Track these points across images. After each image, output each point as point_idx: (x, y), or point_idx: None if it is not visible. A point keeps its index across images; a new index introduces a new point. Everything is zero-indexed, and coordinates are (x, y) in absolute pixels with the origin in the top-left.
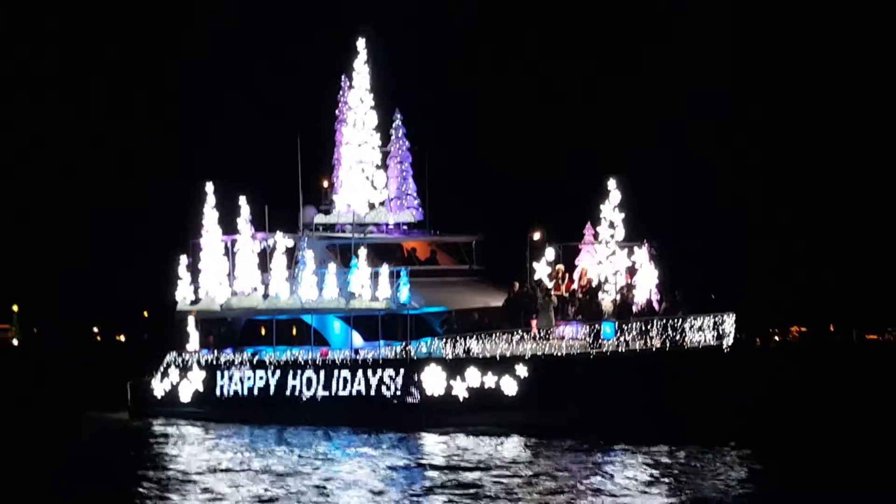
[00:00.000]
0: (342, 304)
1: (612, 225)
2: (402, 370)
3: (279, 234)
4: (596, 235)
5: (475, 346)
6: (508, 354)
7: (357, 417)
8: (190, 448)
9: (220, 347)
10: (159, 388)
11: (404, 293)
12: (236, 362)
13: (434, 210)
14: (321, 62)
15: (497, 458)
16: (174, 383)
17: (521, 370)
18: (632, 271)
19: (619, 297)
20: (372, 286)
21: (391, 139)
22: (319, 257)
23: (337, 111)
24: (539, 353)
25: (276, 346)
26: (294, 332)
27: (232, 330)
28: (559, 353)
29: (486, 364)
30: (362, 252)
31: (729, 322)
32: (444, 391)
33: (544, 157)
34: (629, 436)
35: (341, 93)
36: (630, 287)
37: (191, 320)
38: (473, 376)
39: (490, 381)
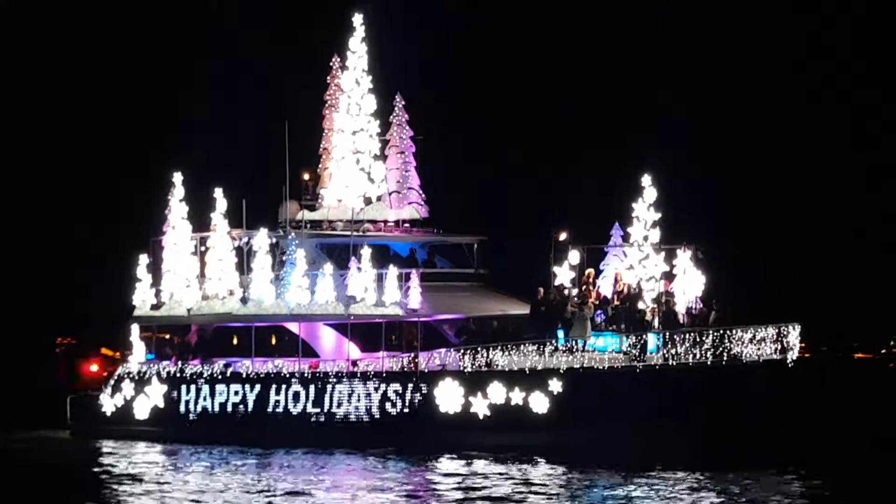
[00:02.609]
0: (340, 310)
1: (654, 224)
2: (410, 384)
3: (263, 232)
4: (626, 237)
5: (500, 358)
6: (540, 367)
7: (355, 438)
8: (150, 472)
9: (184, 358)
10: (109, 403)
11: (415, 298)
12: (205, 375)
13: (435, 206)
14: (307, 42)
15: (523, 485)
16: (128, 398)
17: (555, 385)
18: (669, 277)
19: (657, 306)
20: (377, 290)
21: (390, 127)
22: (310, 258)
23: (326, 95)
24: (576, 367)
25: (255, 356)
26: (274, 340)
27: (199, 338)
28: (600, 367)
29: (512, 378)
30: (365, 252)
31: (794, 334)
32: (461, 408)
33: (563, 147)
34: (677, 459)
35: (331, 75)
36: (670, 294)
37: (134, 329)
38: (497, 392)
39: (517, 397)
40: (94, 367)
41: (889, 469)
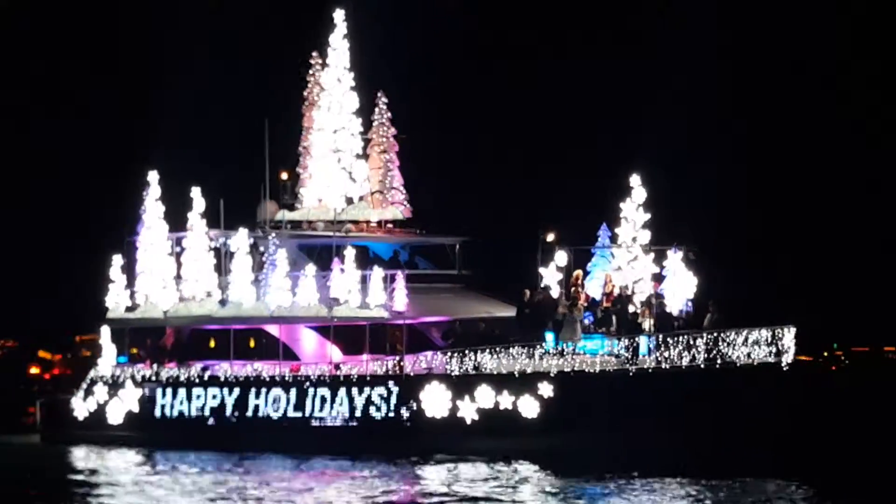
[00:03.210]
0: (323, 312)
1: (645, 225)
2: (395, 388)
3: (242, 232)
4: (614, 237)
5: (488, 361)
6: (529, 370)
7: (338, 443)
8: (125, 478)
9: (159, 361)
10: (82, 407)
11: (400, 300)
12: (182, 378)
13: (418, 206)
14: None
15: (512, 491)
16: (101, 402)
17: (546, 389)
18: (659, 279)
19: (647, 308)
20: (361, 292)
21: (373, 125)
22: (291, 259)
23: (305, 93)
24: (568, 370)
25: (233, 359)
26: (253, 343)
27: (175, 341)
28: (592, 370)
29: (501, 381)
30: (349, 253)
31: (789, 336)
32: (447, 412)
33: (549, 145)
34: (670, 464)
35: (311, 72)
36: (659, 296)
37: (104, 331)
38: (485, 395)
39: (506, 401)
40: (35, 370)
41: (882, 472)
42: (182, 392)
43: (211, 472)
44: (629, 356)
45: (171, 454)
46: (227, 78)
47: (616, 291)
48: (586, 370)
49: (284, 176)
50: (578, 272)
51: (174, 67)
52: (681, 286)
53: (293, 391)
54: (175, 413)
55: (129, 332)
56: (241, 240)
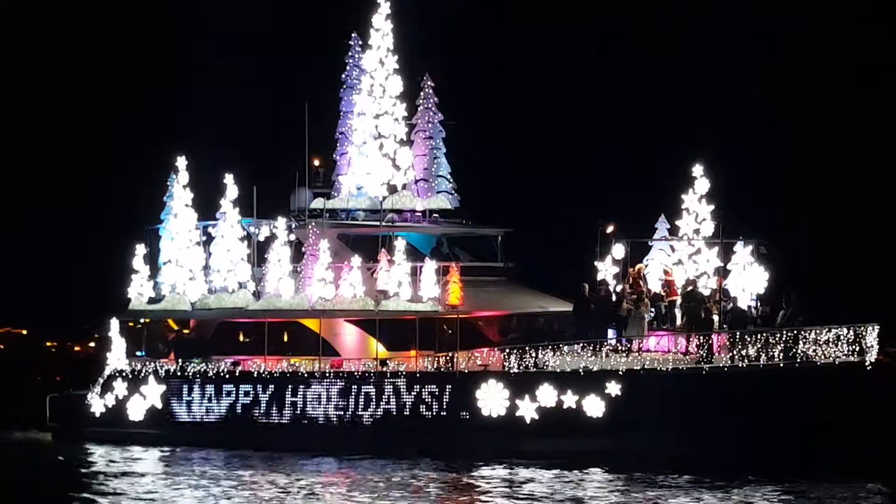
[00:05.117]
0: (369, 305)
1: (716, 216)
2: (448, 386)
3: (281, 221)
4: (673, 230)
5: (550, 359)
6: (596, 368)
7: (384, 443)
8: (149, 479)
9: (185, 356)
10: (98, 403)
11: (455, 293)
12: (210, 373)
13: (465, 196)
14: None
15: (576, 495)
16: (120, 398)
17: (614, 388)
18: (723, 273)
19: (714, 304)
20: (411, 285)
21: (418, 110)
22: (332, 249)
23: (344, 76)
24: (637, 368)
25: (267, 354)
26: (288, 338)
27: (200, 335)
28: (664, 368)
29: (565, 380)
30: (399, 244)
31: (872, 334)
32: (505, 412)
33: (606, 135)
34: (745, 467)
35: (350, 54)
36: (726, 292)
37: (114, 324)
38: (547, 394)
39: (570, 400)
40: None
41: None
42: (210, 388)
43: (247, 472)
44: (703, 354)
45: (203, 453)
46: (259, 62)
47: (677, 286)
48: (657, 368)
49: (317, 163)
50: (640, 266)
51: (204, 52)
52: (749, 282)
53: (336, 388)
54: (203, 410)
55: (147, 325)
56: (279, 229)
